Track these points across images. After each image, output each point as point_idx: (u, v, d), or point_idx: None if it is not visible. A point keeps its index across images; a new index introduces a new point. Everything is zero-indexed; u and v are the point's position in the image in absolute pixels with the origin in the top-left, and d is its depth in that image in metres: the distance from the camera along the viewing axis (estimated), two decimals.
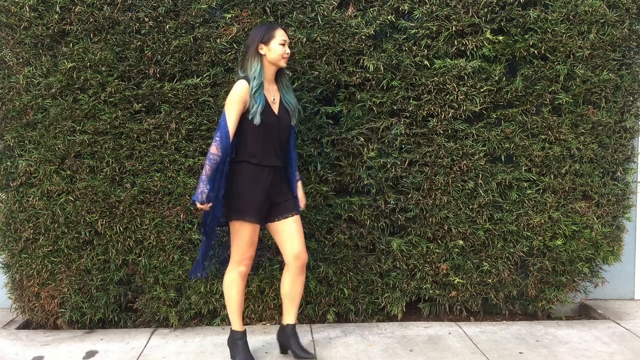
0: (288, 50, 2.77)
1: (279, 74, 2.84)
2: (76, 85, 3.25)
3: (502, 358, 3.01)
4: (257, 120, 2.68)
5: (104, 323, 3.54)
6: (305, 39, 3.21)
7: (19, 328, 3.52)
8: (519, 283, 3.54)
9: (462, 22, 3.26)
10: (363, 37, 3.25)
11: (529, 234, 3.44)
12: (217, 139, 2.64)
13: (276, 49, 2.72)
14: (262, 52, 2.73)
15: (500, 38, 3.27)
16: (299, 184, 2.98)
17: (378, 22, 3.25)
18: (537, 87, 3.34)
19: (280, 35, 2.74)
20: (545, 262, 3.48)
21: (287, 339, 2.95)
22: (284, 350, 3.02)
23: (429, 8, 3.25)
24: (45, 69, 3.23)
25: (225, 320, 3.48)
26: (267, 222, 2.86)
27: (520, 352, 3.08)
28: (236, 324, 2.87)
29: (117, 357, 3.04)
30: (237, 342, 2.87)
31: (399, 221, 3.42)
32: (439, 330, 3.40)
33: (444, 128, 3.34)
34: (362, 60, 3.28)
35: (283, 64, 2.77)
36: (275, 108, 2.79)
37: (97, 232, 3.35)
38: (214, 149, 2.64)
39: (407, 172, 3.38)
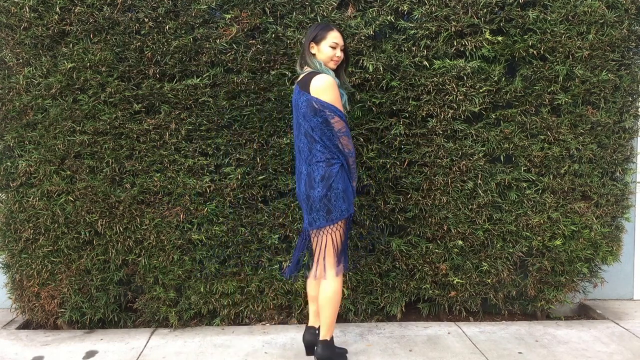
0: (339, 54, 2.76)
1: (338, 72, 2.84)
2: (76, 86, 3.25)
3: (501, 358, 3.01)
4: (347, 106, 2.79)
5: (104, 323, 3.54)
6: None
7: (19, 328, 3.52)
8: (518, 283, 3.54)
9: (461, 22, 3.26)
10: (362, 38, 3.25)
11: (528, 234, 3.44)
12: (349, 134, 2.71)
13: (325, 50, 2.74)
14: (312, 51, 2.75)
15: (500, 38, 3.28)
16: None
17: (377, 22, 3.26)
18: (537, 87, 3.35)
19: (332, 37, 2.74)
20: (545, 262, 3.48)
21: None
22: (310, 351, 2.95)
23: (428, 8, 3.26)
24: (45, 70, 3.24)
25: (225, 321, 3.49)
26: None
27: (520, 352, 3.09)
28: (334, 330, 2.91)
29: (117, 357, 3.04)
30: (336, 349, 2.89)
31: (399, 221, 3.43)
32: (438, 330, 3.40)
33: (444, 128, 3.34)
34: (361, 61, 3.28)
35: (332, 66, 2.77)
36: None
37: (97, 232, 3.35)
38: (351, 146, 2.71)
39: (406, 173, 3.38)
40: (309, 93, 2.65)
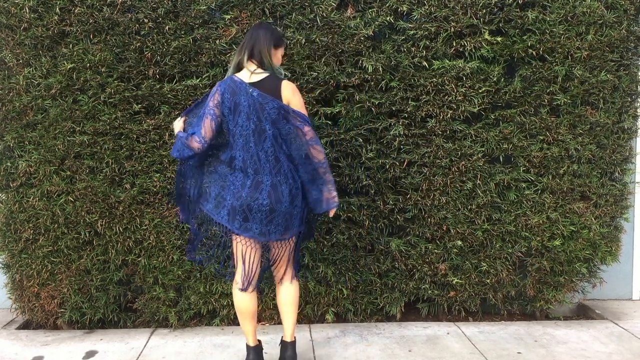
0: None
1: None
2: (76, 86, 3.26)
3: (500, 358, 3.02)
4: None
5: (104, 323, 3.55)
6: (304, 40, 3.22)
7: (19, 328, 3.53)
8: (518, 283, 3.55)
9: (460, 23, 3.27)
10: (362, 38, 3.26)
11: (527, 234, 3.45)
12: (320, 142, 2.65)
13: (279, 57, 2.71)
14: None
15: (499, 39, 3.28)
16: None
17: (377, 23, 3.26)
18: (536, 87, 3.35)
19: (284, 46, 2.75)
20: (544, 263, 3.49)
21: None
22: None
23: (427, 9, 3.26)
24: (45, 70, 3.24)
25: (225, 321, 3.50)
26: None
27: (519, 352, 3.09)
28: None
29: (116, 357, 3.05)
30: None
31: (398, 222, 3.43)
32: (437, 331, 3.41)
33: (443, 129, 3.35)
34: (361, 61, 3.28)
35: None
36: None
37: (96, 233, 3.36)
38: (322, 156, 2.66)
39: (405, 173, 3.39)
40: (280, 99, 2.57)
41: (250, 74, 2.58)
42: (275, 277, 2.83)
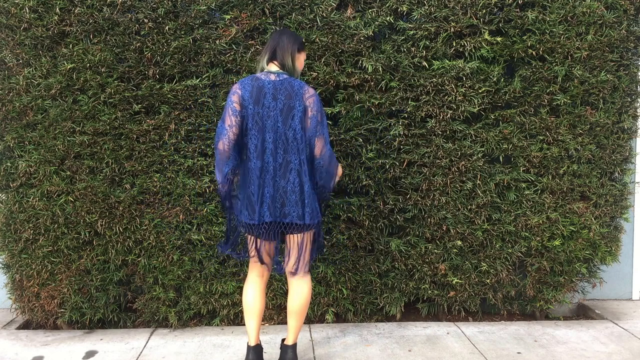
0: None
1: None
2: (76, 86, 3.26)
3: (500, 358, 3.02)
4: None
5: (104, 323, 3.55)
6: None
7: (19, 328, 3.53)
8: (517, 283, 3.55)
9: (460, 23, 3.27)
10: (362, 38, 3.26)
11: (527, 234, 3.45)
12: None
13: (302, 61, 2.73)
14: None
15: (499, 39, 3.28)
16: None
17: (377, 23, 3.26)
18: (535, 88, 3.36)
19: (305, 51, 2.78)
20: (544, 263, 3.49)
21: None
22: None
23: (427, 9, 3.26)
24: (45, 70, 3.24)
25: (224, 321, 3.50)
26: None
27: (519, 352, 3.09)
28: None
29: (116, 357, 3.05)
30: None
31: (398, 222, 3.43)
32: (437, 331, 3.41)
33: (443, 129, 3.35)
34: (360, 62, 3.29)
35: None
36: None
37: (96, 233, 3.36)
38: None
39: (405, 173, 3.39)
40: (302, 100, 2.56)
41: (270, 74, 2.60)
42: (287, 268, 2.69)
